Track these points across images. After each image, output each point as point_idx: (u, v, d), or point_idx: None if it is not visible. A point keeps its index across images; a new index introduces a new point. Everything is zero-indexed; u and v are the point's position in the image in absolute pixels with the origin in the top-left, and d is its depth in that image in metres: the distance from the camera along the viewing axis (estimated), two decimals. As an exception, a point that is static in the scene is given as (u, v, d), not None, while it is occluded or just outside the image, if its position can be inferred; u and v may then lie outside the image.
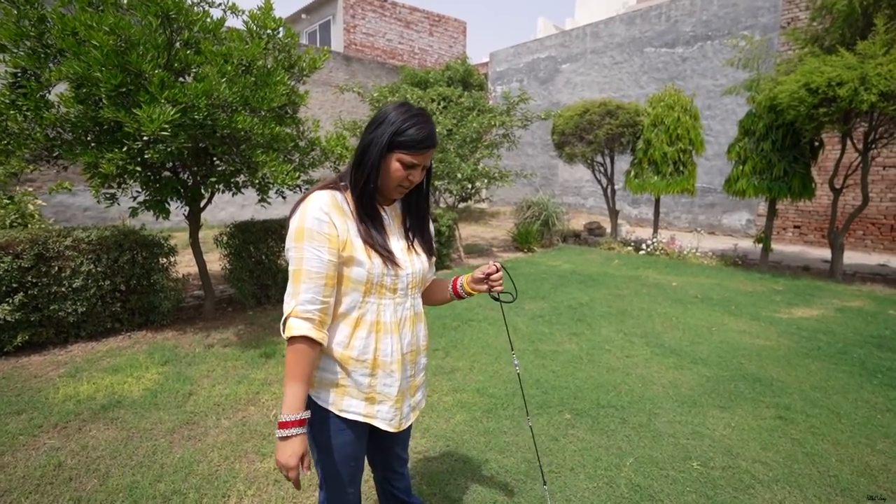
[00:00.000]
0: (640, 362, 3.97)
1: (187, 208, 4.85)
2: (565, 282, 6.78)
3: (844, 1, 6.38)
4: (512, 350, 1.71)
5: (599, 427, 2.95)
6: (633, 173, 9.54)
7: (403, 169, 1.36)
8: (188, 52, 3.83)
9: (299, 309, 1.30)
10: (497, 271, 1.55)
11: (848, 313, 5.68)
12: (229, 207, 11.15)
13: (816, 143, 7.66)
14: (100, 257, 4.33)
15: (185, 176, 4.70)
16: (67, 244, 4.15)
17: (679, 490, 2.40)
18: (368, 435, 1.54)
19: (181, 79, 3.99)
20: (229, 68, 3.69)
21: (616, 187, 10.50)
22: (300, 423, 1.30)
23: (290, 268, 1.33)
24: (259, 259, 5.43)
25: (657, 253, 9.19)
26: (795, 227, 11.07)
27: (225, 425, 2.94)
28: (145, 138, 3.17)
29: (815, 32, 7.24)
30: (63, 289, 4.12)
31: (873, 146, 6.89)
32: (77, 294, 4.20)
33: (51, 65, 3.53)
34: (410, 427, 1.67)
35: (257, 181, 4.40)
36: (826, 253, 9.64)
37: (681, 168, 9.06)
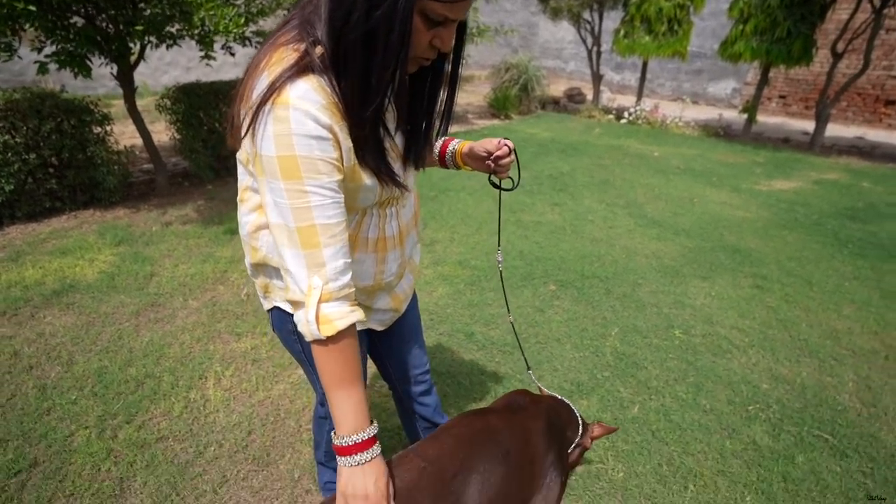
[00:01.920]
0: (624, 233, 3.91)
1: (115, 66, 4.09)
2: (545, 150, 6.46)
3: None
4: (499, 246, 1.45)
5: (584, 298, 2.93)
6: (622, 32, 8.68)
7: (427, 29, 0.79)
8: None
9: (333, 287, 0.81)
10: (508, 154, 1.13)
11: (824, 185, 5.70)
12: (172, 70, 9.80)
13: (825, 1, 6.97)
14: (15, 126, 3.69)
15: (105, 25, 3.85)
16: (-30, 109, 3.48)
17: (662, 357, 2.44)
18: (372, 341, 1.27)
19: None
20: None
21: (602, 49, 9.64)
22: (369, 442, 0.87)
23: (287, 222, 0.79)
24: (211, 127, 4.82)
25: (639, 122, 8.82)
26: (781, 97, 10.72)
27: (193, 306, 2.77)
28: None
29: None
30: (-21, 163, 3.56)
31: (890, 3, 6.30)
32: (-1, 169, 3.65)
33: None
34: (417, 318, 1.35)
35: (196, 30, 3.65)
36: (807, 125, 9.48)
37: (675, 27, 8.26)
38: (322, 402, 1.31)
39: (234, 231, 3.70)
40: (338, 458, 0.87)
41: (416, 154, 0.99)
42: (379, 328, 1.19)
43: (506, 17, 14.47)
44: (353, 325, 0.84)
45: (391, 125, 0.93)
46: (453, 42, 0.85)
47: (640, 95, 9.47)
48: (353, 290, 0.86)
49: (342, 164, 0.82)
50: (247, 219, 1.00)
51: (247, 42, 4.14)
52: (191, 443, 1.87)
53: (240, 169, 0.97)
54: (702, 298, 3.02)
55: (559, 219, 4.14)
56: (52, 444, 1.83)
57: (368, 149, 0.85)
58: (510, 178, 1.22)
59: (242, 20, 3.48)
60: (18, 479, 1.69)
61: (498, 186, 1.24)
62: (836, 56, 7.08)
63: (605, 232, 3.92)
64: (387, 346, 1.33)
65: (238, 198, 1.01)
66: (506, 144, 1.13)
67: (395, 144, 0.95)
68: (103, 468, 1.75)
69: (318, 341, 0.83)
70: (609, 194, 4.85)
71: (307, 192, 0.77)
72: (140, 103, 4.39)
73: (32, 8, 2.85)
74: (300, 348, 1.11)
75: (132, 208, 4.21)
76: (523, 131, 7.76)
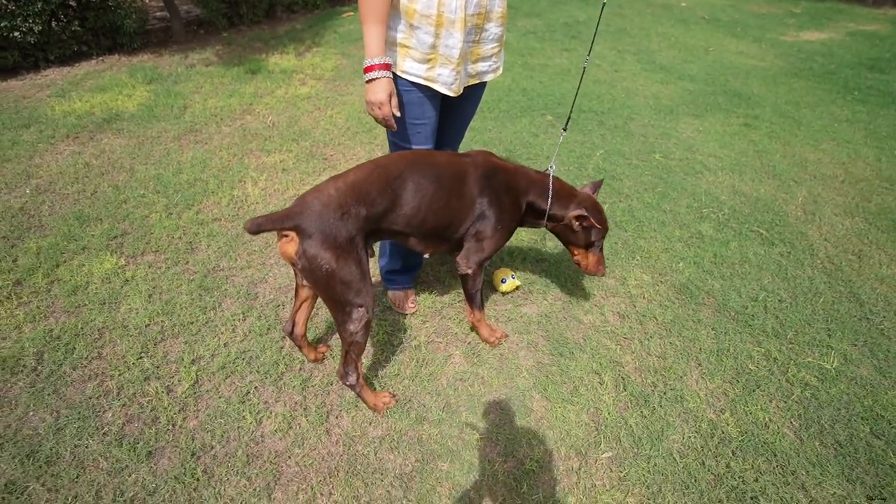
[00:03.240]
0: (628, 76, 4.00)
1: None
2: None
3: None
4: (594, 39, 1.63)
5: (578, 127, 3.18)
6: None
7: None
8: None
9: None
10: None
11: (858, 37, 5.42)
12: None
13: None
14: (31, -40, 3.75)
15: None
16: (-15, -60, 3.53)
17: (638, 173, 2.77)
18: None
19: None
20: None
21: None
22: (384, 66, 1.36)
23: None
24: (219, -32, 4.74)
25: (674, -30, 8.05)
26: (843, -63, 9.41)
27: (226, 131, 3.13)
28: None
29: None
30: (5, 2, 3.70)
31: None
32: (24, 9, 3.79)
33: None
34: (470, 113, 1.72)
35: None
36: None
37: None
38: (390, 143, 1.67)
39: (254, 71, 3.91)
40: (364, 76, 1.38)
41: None
42: (443, 90, 1.50)
43: None
44: None
45: None
46: None
47: (680, -63, 8.47)
48: None
49: None
50: None
51: None
52: (239, 222, 2.35)
53: None
54: (689, 132, 3.24)
55: (566, 62, 4.20)
56: (133, 221, 2.34)
57: None
58: None
59: None
60: (116, 241, 2.21)
61: None
62: None
63: (610, 75, 4.00)
64: (440, 118, 1.66)
65: None
66: None
67: None
68: (175, 236, 2.26)
69: None
70: (622, 42, 4.78)
71: None
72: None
73: None
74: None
75: (154, 53, 4.39)
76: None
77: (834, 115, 3.60)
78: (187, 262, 2.12)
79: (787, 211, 2.53)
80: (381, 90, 1.37)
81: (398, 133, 1.60)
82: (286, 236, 1.31)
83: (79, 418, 1.52)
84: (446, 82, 1.48)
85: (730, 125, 3.37)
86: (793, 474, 1.42)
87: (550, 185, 1.68)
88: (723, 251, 2.24)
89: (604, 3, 1.62)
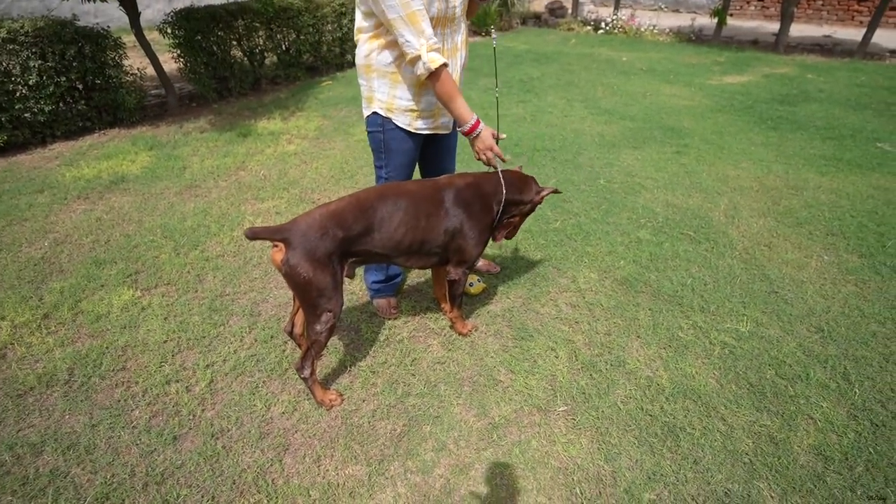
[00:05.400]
0: (576, 120, 4.57)
1: (119, -7, 4.56)
2: (520, 60, 6.94)
3: None
4: (497, 80, 2.10)
5: (533, 162, 3.66)
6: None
7: None
8: None
9: (431, 43, 1.60)
10: None
11: (772, 78, 6.23)
12: (155, 4, 9.95)
13: None
14: (44, 52, 4.25)
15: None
16: (4, 36, 4.03)
17: (586, 196, 3.21)
18: (425, 144, 2.00)
19: None
20: None
21: (580, -42, 9.69)
22: (477, 123, 1.71)
23: (396, 14, 1.55)
24: (211, 50, 5.34)
25: (615, 31, 9.11)
26: (758, -2, 10.80)
27: (223, 185, 3.51)
28: None
29: None
30: (21, 87, 4.16)
31: None
32: (37, 92, 4.25)
33: None
34: (455, 141, 2.12)
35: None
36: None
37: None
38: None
39: (244, 134, 4.38)
40: (470, 137, 1.75)
41: None
42: (443, 131, 1.96)
43: (487, -71, 14.03)
44: (445, 64, 1.63)
45: None
46: None
47: (616, 5, 9.65)
48: (440, 47, 1.66)
49: None
50: (361, 49, 1.79)
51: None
52: (240, 257, 2.68)
53: (357, 15, 1.74)
54: (629, 161, 3.75)
55: (522, 111, 4.79)
56: (145, 262, 2.65)
57: None
58: None
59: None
60: (131, 278, 2.51)
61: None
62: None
63: (560, 119, 4.58)
64: (432, 153, 2.09)
65: (354, 39, 1.82)
66: None
67: None
68: (184, 270, 2.57)
69: (432, 75, 1.63)
70: (571, 92, 5.44)
71: None
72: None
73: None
74: (381, 138, 1.89)
75: (151, 125, 4.85)
76: (501, 45, 8.13)
77: (751, 140, 4.18)
78: (196, 291, 2.42)
79: (712, 216, 2.97)
80: (487, 137, 1.75)
81: (390, 169, 1.96)
82: (276, 246, 1.61)
83: (110, 416, 1.76)
84: (447, 126, 1.95)
85: (664, 153, 3.89)
86: (714, 409, 1.73)
87: (501, 181, 1.89)
88: (657, 251, 2.64)
89: (494, 47, 2.06)
